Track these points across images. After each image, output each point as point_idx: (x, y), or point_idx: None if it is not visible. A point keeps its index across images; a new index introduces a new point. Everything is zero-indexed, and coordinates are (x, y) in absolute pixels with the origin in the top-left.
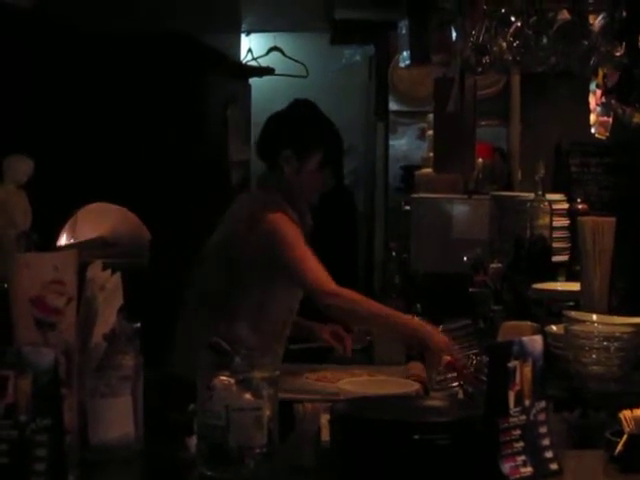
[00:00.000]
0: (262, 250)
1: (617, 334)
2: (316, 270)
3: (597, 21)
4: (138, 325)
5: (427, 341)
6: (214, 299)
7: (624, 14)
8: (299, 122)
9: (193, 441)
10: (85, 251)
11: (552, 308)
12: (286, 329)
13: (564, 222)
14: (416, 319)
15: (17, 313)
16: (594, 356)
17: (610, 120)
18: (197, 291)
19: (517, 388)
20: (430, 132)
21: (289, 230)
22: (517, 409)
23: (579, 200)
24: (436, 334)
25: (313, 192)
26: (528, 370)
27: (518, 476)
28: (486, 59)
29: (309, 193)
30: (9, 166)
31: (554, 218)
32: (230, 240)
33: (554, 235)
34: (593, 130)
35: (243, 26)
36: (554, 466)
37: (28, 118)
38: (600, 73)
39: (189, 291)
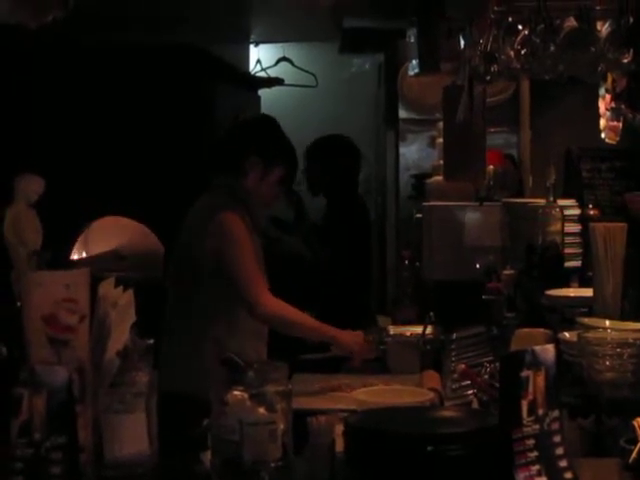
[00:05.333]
0: (217, 250)
1: (630, 340)
2: (256, 280)
3: (604, 28)
4: (151, 341)
5: (340, 345)
6: (184, 303)
7: (631, 20)
8: (268, 133)
9: (208, 456)
10: (98, 265)
11: (565, 314)
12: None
13: (576, 228)
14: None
15: (30, 331)
16: (607, 363)
17: (620, 125)
18: (172, 298)
19: (530, 398)
20: (440, 140)
21: (239, 232)
22: (530, 419)
23: (590, 206)
24: (347, 338)
25: (268, 204)
26: (541, 379)
27: None
28: (494, 67)
29: (264, 204)
30: (20, 185)
31: (566, 224)
32: (189, 241)
33: (566, 241)
34: (603, 135)
35: (252, 37)
36: (568, 475)
37: (38, 134)
38: (609, 78)
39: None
